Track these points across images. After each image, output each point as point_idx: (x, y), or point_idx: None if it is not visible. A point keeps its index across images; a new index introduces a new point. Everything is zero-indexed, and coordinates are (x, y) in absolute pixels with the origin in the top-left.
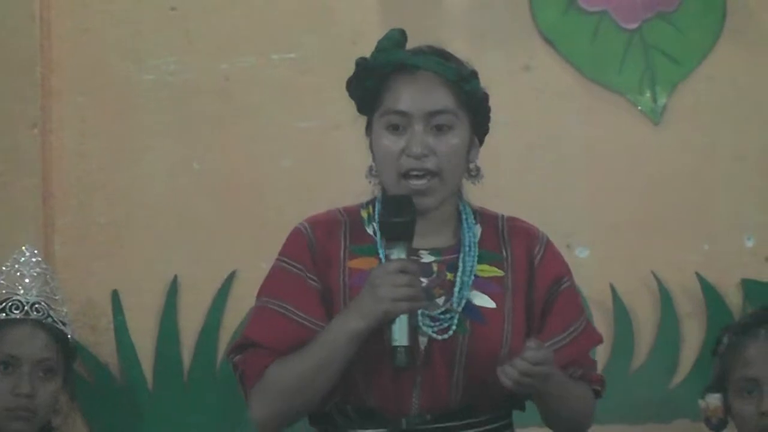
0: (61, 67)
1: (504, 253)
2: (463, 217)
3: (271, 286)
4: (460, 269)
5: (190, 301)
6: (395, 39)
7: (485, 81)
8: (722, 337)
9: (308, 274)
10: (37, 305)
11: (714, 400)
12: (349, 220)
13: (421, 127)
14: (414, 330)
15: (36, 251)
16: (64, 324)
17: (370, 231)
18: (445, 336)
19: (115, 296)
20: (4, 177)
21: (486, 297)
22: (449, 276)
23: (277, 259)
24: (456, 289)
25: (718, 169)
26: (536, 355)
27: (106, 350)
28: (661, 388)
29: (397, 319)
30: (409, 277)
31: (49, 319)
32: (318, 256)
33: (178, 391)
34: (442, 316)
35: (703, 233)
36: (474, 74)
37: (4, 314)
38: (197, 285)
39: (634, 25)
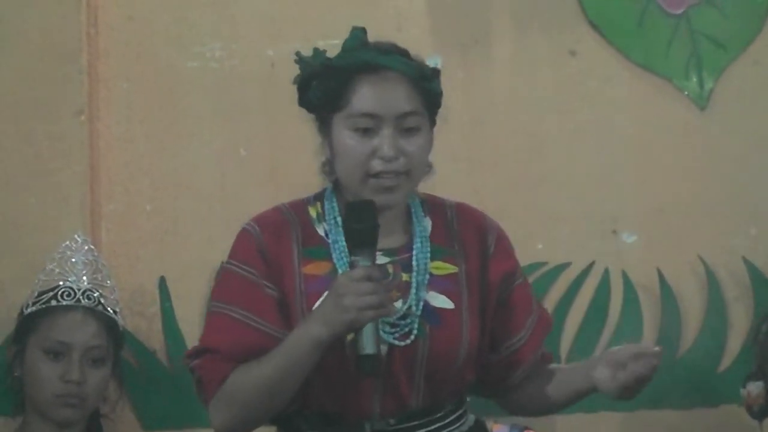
0: (108, 54)
1: (456, 246)
2: (412, 210)
3: (224, 291)
4: (415, 269)
5: None
6: (360, 38)
7: (531, 66)
8: (762, 325)
9: (263, 281)
10: (88, 292)
11: (755, 387)
12: (298, 219)
13: (392, 129)
14: (378, 337)
15: (87, 239)
16: (114, 312)
17: (321, 232)
18: (407, 341)
19: (162, 283)
20: (52, 164)
21: (443, 297)
22: (405, 277)
23: (228, 262)
24: (413, 291)
25: (765, 153)
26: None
27: (153, 337)
28: (708, 372)
29: (364, 328)
30: (374, 284)
31: (100, 307)
32: (270, 260)
33: None
34: (401, 322)
35: (750, 217)
36: (436, 72)
37: (55, 301)
38: None
39: (680, 10)
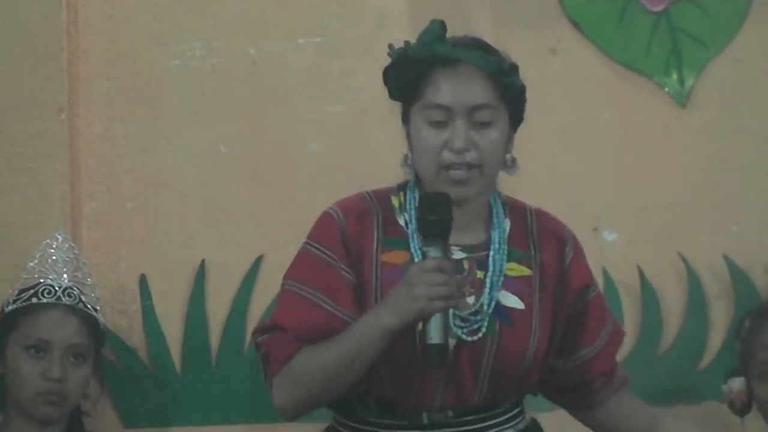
0: (88, 52)
1: (532, 251)
2: (494, 211)
3: (300, 270)
4: (490, 268)
5: (218, 286)
6: (437, 32)
7: None
8: (744, 321)
9: (342, 265)
10: (69, 290)
11: (737, 384)
12: (380, 207)
13: (464, 121)
14: (446, 328)
15: (68, 236)
16: (95, 309)
17: (401, 222)
18: (475, 338)
19: (143, 281)
20: (32, 162)
21: (515, 297)
22: (479, 274)
23: (307, 243)
24: (486, 290)
25: (746, 151)
26: None
27: (134, 335)
28: (689, 370)
29: (433, 318)
30: (445, 276)
31: (81, 304)
32: (351, 245)
33: (205, 376)
34: (471, 318)
35: (730, 215)
36: (514, 67)
37: (36, 298)
38: (225, 269)
39: (660, 8)
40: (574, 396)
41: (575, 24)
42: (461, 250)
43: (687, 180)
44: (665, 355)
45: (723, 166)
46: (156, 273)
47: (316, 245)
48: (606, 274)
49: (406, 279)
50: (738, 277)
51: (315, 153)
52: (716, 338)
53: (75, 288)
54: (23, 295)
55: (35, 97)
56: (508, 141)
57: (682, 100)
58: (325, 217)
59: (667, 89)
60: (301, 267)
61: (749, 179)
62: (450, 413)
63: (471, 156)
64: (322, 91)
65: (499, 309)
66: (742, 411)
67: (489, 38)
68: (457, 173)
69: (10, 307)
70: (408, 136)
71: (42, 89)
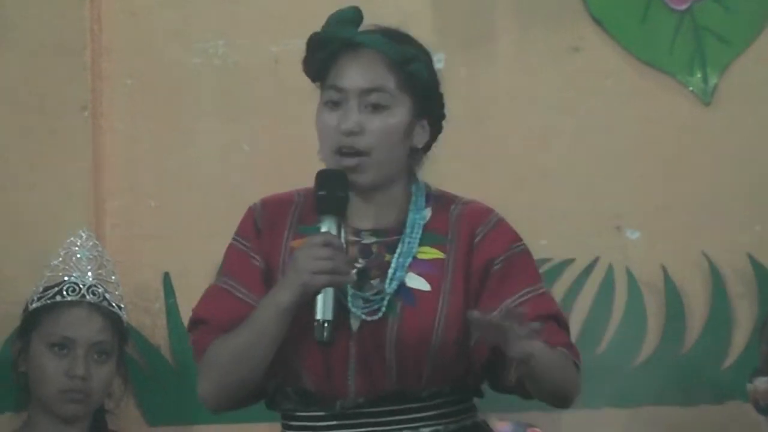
0: (111, 50)
1: (449, 236)
2: (413, 199)
3: (224, 263)
4: (398, 250)
5: None
6: (346, 16)
7: (534, 63)
8: (767, 320)
9: (251, 253)
10: (93, 288)
11: (761, 383)
12: (304, 200)
13: (356, 103)
14: (340, 306)
15: (92, 234)
16: (119, 307)
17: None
18: (375, 317)
19: (166, 279)
20: (55, 160)
21: (422, 279)
22: (387, 257)
23: (233, 236)
24: (390, 271)
25: None
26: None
27: (157, 333)
28: (713, 369)
29: (322, 294)
30: (331, 250)
31: (105, 302)
32: (263, 233)
33: None
34: (373, 298)
35: (754, 214)
36: (418, 57)
37: (60, 296)
38: None
39: (684, 6)
40: (497, 378)
41: (598, 22)
42: (371, 234)
43: (711, 179)
44: (689, 354)
45: (747, 164)
46: (179, 271)
47: (236, 237)
48: (629, 273)
49: (294, 254)
50: (762, 276)
51: None
52: (740, 337)
53: (99, 286)
54: (47, 292)
55: (58, 94)
56: (413, 132)
57: (707, 98)
58: (247, 210)
59: (691, 88)
60: (224, 260)
61: None
62: (361, 400)
63: (361, 142)
64: None
65: (404, 290)
66: (766, 410)
67: (512, 37)
68: (348, 161)
69: (34, 305)
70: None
71: (65, 87)
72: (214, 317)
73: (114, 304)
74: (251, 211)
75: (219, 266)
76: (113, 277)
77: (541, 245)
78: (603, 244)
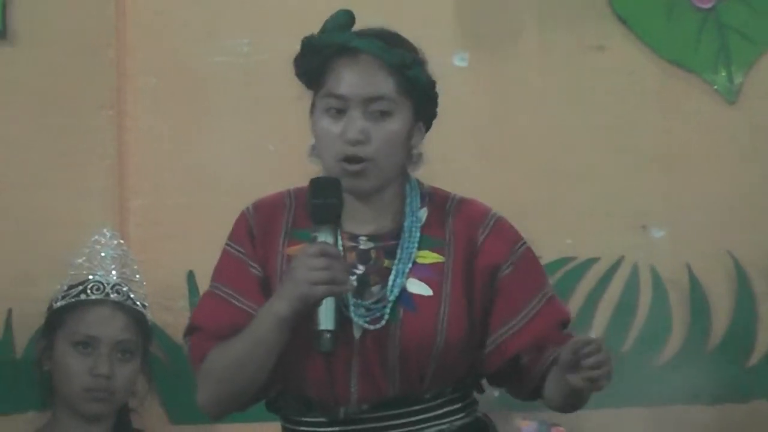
0: (135, 48)
1: (447, 237)
2: (408, 201)
3: (217, 270)
4: (398, 256)
5: None
6: (340, 20)
7: (558, 61)
8: None
9: (249, 261)
10: (117, 287)
11: None
12: (295, 203)
13: (359, 112)
14: (342, 315)
15: (116, 233)
16: (143, 306)
17: None
18: (378, 326)
19: (190, 277)
20: (79, 158)
21: (423, 284)
22: (386, 263)
23: (226, 242)
24: (391, 277)
25: None
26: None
27: (181, 332)
28: (738, 368)
29: (323, 303)
30: (328, 260)
31: (129, 301)
32: (258, 240)
33: None
34: (374, 306)
35: None
36: (417, 61)
37: (84, 295)
38: None
39: (708, 5)
40: (514, 384)
41: (623, 21)
42: (369, 240)
43: (736, 177)
44: (713, 353)
45: None
46: (203, 269)
47: (230, 243)
48: (654, 271)
49: (291, 265)
50: None
51: None
52: (765, 336)
53: (123, 284)
54: (71, 291)
55: (82, 92)
56: (412, 135)
57: (732, 97)
58: (240, 215)
59: (715, 86)
60: (219, 266)
61: None
62: (365, 407)
63: (366, 150)
64: None
65: (405, 296)
66: None
67: (535, 35)
68: (353, 167)
69: (58, 304)
70: (313, 126)
71: (89, 85)
72: (211, 325)
73: (138, 303)
74: (244, 216)
75: (213, 271)
76: (137, 276)
77: (566, 244)
78: (628, 243)
